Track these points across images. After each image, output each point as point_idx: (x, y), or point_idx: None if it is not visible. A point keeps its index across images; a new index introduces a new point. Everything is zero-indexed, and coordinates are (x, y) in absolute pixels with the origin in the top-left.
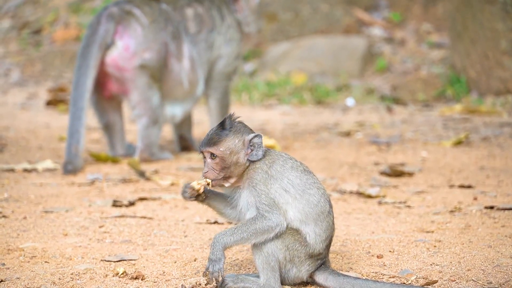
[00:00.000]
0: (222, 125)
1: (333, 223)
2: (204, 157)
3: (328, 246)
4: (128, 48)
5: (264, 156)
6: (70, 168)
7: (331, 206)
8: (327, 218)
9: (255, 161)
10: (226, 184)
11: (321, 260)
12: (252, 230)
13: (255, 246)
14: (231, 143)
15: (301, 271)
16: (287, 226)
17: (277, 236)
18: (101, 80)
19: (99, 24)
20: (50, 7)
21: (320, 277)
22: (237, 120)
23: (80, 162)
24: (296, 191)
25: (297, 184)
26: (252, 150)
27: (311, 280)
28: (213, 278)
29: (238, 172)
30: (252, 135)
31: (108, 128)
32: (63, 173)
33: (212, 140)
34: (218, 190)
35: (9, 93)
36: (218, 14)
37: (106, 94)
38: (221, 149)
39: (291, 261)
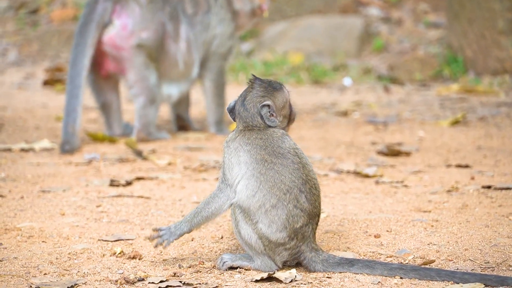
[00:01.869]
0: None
1: (292, 216)
2: None
3: (294, 236)
4: (125, 27)
5: (246, 129)
6: (68, 147)
7: (293, 199)
8: (271, 212)
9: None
10: None
11: (293, 250)
12: (205, 209)
13: (236, 235)
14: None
15: (274, 259)
16: (233, 206)
17: (246, 224)
18: (98, 59)
19: (97, 2)
20: None
21: (314, 268)
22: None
23: (77, 142)
24: (238, 173)
25: (243, 168)
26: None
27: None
28: (158, 243)
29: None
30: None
31: (105, 108)
32: (60, 153)
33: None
34: None
35: (6, 73)
36: None
37: (103, 73)
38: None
39: (265, 249)
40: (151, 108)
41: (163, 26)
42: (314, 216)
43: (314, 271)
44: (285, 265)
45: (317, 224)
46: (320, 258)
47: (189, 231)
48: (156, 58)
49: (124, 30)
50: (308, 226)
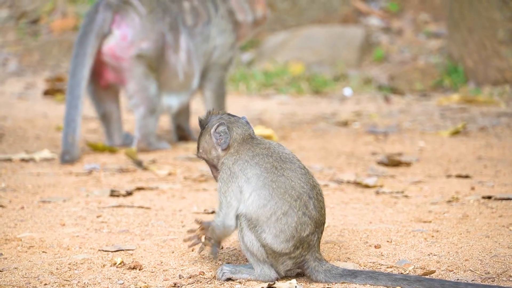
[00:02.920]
0: (200, 126)
1: (301, 224)
2: None
3: (299, 246)
4: (125, 37)
5: (240, 144)
6: (67, 158)
7: (303, 205)
8: (282, 220)
9: (226, 154)
10: None
11: (297, 259)
12: (215, 228)
13: (240, 243)
14: (203, 142)
15: (277, 267)
16: (240, 216)
17: (250, 231)
18: (98, 69)
19: (97, 12)
20: None
21: (316, 278)
22: (218, 114)
23: (77, 152)
24: (248, 189)
25: (252, 181)
26: (221, 140)
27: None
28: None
29: (221, 165)
30: (216, 125)
31: (105, 118)
32: (60, 163)
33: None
34: None
35: (7, 82)
36: (213, 5)
37: (103, 84)
38: (200, 151)
39: (268, 258)
40: (151, 118)
41: (163, 37)
42: (320, 224)
43: (316, 281)
44: (287, 275)
45: (322, 233)
46: (323, 268)
47: None
48: (156, 69)
49: (124, 40)
50: (314, 235)
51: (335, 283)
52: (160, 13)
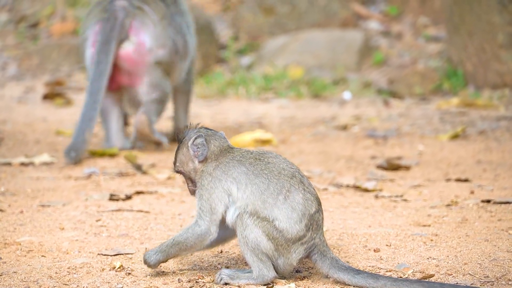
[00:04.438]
0: (178, 140)
1: (307, 200)
2: None
3: (310, 226)
4: (143, 44)
5: (216, 154)
6: (73, 155)
7: (299, 182)
8: (290, 197)
9: (205, 163)
10: None
11: (308, 243)
12: (183, 240)
13: (241, 243)
14: (180, 155)
15: (288, 258)
16: (241, 214)
17: (256, 227)
18: (111, 73)
19: (116, 19)
20: (47, 1)
21: (320, 265)
22: (196, 127)
23: (83, 151)
24: (240, 187)
25: (242, 179)
26: (198, 152)
27: (310, 263)
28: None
29: (198, 177)
30: (193, 137)
31: (106, 120)
32: (65, 159)
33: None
34: None
35: (6, 86)
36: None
37: (114, 86)
38: (177, 164)
39: (277, 250)
40: (159, 106)
41: (174, 43)
42: (319, 202)
43: (320, 269)
44: (293, 271)
45: (323, 213)
46: (330, 256)
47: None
48: (170, 71)
49: (142, 47)
50: (319, 213)
51: (336, 277)
52: (169, 19)
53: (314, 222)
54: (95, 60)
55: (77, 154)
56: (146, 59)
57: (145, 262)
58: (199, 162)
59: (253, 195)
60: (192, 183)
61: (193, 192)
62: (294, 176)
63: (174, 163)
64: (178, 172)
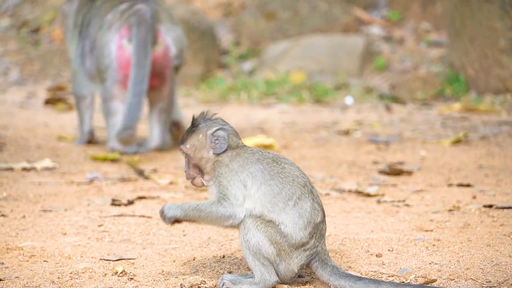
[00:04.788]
0: (192, 123)
1: (314, 209)
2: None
3: (314, 234)
4: (169, 48)
5: (232, 149)
6: (128, 133)
7: (309, 192)
8: (299, 204)
9: (221, 154)
10: (205, 183)
11: (311, 250)
12: (205, 211)
13: (243, 247)
14: (195, 140)
15: (290, 264)
16: (244, 218)
17: (259, 231)
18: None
19: (148, 22)
20: (49, 6)
21: (321, 273)
22: (212, 116)
23: (135, 133)
24: (255, 183)
25: (258, 176)
26: (216, 144)
27: (309, 271)
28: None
29: (209, 167)
30: (214, 128)
31: (112, 121)
32: (118, 137)
33: (181, 138)
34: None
35: (8, 91)
36: None
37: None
38: (187, 146)
39: (279, 255)
40: (168, 115)
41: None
42: (324, 213)
43: (320, 277)
44: (295, 277)
45: (326, 224)
46: (331, 264)
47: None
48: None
49: (168, 51)
50: (323, 224)
51: (337, 284)
52: (179, 23)
53: (318, 231)
54: (135, 63)
55: (129, 133)
56: (171, 62)
57: (162, 213)
58: (214, 154)
59: (265, 196)
60: (194, 169)
61: (190, 177)
62: (306, 185)
63: (183, 141)
64: (183, 152)
